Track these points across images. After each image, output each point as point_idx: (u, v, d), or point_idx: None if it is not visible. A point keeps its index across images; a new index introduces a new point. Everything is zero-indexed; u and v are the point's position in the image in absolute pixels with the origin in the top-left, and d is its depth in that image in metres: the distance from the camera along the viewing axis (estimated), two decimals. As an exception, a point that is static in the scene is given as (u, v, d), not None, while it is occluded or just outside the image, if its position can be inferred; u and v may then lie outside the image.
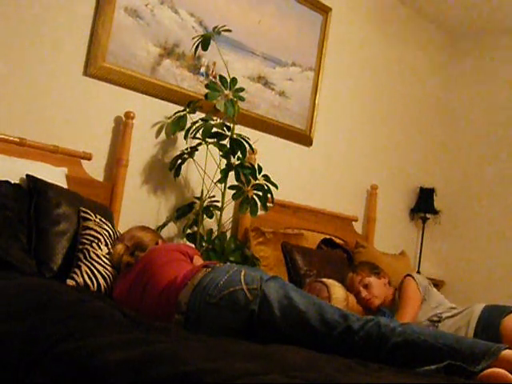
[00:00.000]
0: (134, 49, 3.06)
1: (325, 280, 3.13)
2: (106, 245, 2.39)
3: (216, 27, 3.06)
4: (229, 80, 3.09)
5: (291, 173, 3.88)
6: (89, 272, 2.27)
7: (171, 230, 3.25)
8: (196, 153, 3.09)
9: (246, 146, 3.06)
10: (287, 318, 1.83)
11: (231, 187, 3.09)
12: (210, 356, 1.40)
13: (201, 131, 3.04)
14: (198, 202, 3.17)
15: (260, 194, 3.10)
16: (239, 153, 3.05)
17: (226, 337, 1.76)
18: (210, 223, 3.26)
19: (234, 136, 3.06)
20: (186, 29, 3.27)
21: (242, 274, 1.94)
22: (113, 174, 2.97)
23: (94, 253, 2.32)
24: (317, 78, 3.98)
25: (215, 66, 3.38)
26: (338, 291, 3.07)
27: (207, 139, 3.04)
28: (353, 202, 4.35)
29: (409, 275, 3.07)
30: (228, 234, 3.35)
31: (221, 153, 3.07)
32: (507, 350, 1.62)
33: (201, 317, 1.89)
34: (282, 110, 3.81)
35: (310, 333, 1.79)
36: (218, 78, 3.15)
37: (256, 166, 3.12)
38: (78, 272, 2.26)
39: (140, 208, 3.12)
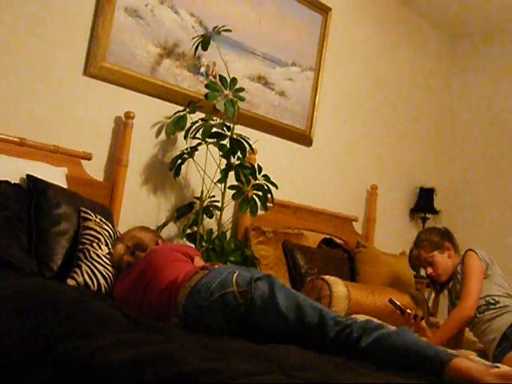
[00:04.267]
0: (134, 49, 3.07)
1: (326, 277, 3.14)
2: (107, 245, 2.39)
3: (216, 27, 3.06)
4: (229, 80, 3.09)
5: (291, 173, 3.88)
6: (89, 272, 2.27)
7: (171, 229, 3.25)
8: (196, 153, 3.09)
9: (246, 146, 3.06)
10: (269, 319, 1.83)
11: (231, 187, 3.09)
12: (210, 356, 1.40)
13: (201, 131, 3.04)
14: (197, 202, 3.17)
15: (260, 193, 3.10)
16: (239, 153, 3.05)
17: (226, 337, 1.76)
18: (210, 223, 3.27)
19: (234, 136, 3.06)
20: (186, 29, 3.27)
21: (235, 275, 1.93)
22: (113, 174, 2.97)
23: (94, 253, 2.32)
24: (317, 78, 3.98)
25: (215, 66, 3.38)
26: (339, 289, 3.07)
27: (207, 139, 3.04)
28: (353, 202, 4.35)
29: (471, 250, 2.98)
30: (228, 234, 3.35)
31: (221, 153, 3.07)
32: (455, 360, 1.57)
33: (196, 320, 1.89)
34: (281, 109, 3.81)
35: (289, 333, 1.78)
36: (217, 78, 3.15)
37: (256, 166, 3.12)
38: (79, 272, 2.26)
39: (140, 208, 3.12)
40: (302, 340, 1.75)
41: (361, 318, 2.98)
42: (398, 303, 2.89)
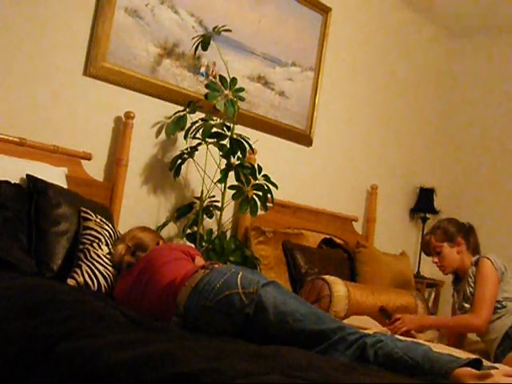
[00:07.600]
0: (134, 49, 3.06)
1: (326, 277, 3.14)
2: (107, 245, 2.39)
3: (216, 27, 3.06)
4: (229, 80, 3.09)
5: (291, 173, 3.88)
6: (89, 272, 2.27)
7: (171, 229, 3.25)
8: (196, 153, 3.09)
9: (246, 145, 3.06)
10: (282, 324, 1.81)
11: (231, 187, 3.09)
12: (210, 356, 1.40)
13: (201, 131, 3.04)
14: (197, 202, 3.17)
15: (260, 193, 3.10)
16: (239, 153, 3.05)
17: (225, 337, 1.76)
18: (210, 223, 3.27)
19: (234, 136, 3.06)
20: (186, 29, 3.27)
21: (239, 276, 1.91)
22: (113, 174, 2.97)
23: (94, 252, 2.33)
24: (317, 78, 3.98)
25: (215, 66, 3.38)
26: (339, 289, 3.08)
27: (207, 139, 3.04)
28: (353, 202, 4.35)
29: (485, 257, 2.93)
30: (228, 234, 3.35)
31: (221, 153, 3.07)
32: (459, 369, 1.56)
33: (197, 320, 1.88)
34: (281, 109, 3.81)
35: (304, 341, 1.76)
36: (217, 77, 3.15)
37: (256, 166, 3.12)
38: (79, 271, 2.26)
39: (140, 208, 3.12)
40: (317, 347, 1.74)
41: (361, 318, 2.99)
42: (389, 312, 2.88)
